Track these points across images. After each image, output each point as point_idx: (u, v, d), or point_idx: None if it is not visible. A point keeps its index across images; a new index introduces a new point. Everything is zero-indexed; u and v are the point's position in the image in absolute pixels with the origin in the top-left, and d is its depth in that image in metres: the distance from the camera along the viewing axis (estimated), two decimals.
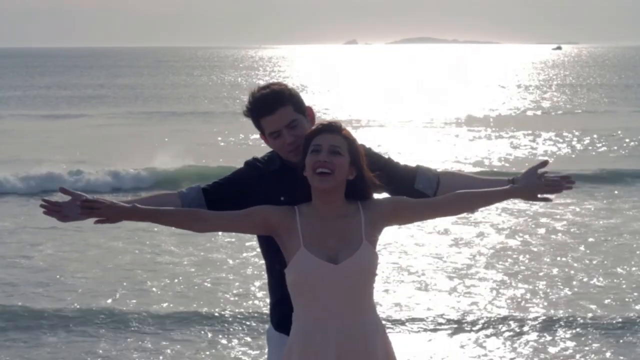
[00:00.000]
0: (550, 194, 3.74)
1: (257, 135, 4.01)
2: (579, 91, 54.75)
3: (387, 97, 48.23)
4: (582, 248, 12.83)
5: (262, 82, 4.05)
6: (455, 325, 9.39)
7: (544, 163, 3.81)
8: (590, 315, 9.60)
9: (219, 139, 28.05)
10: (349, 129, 3.72)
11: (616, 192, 17.78)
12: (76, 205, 3.51)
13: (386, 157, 3.97)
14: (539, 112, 39.15)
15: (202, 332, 9.37)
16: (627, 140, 26.76)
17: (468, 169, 20.24)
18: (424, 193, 3.87)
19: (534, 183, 3.71)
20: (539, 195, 3.73)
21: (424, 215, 3.77)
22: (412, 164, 4.01)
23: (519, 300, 10.26)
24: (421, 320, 9.57)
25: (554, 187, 3.72)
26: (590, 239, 13.41)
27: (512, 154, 24.02)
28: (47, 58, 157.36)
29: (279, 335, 3.83)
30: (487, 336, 9.14)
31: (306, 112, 3.90)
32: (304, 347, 3.56)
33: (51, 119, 36.39)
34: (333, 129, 3.62)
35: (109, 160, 21.56)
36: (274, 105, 3.79)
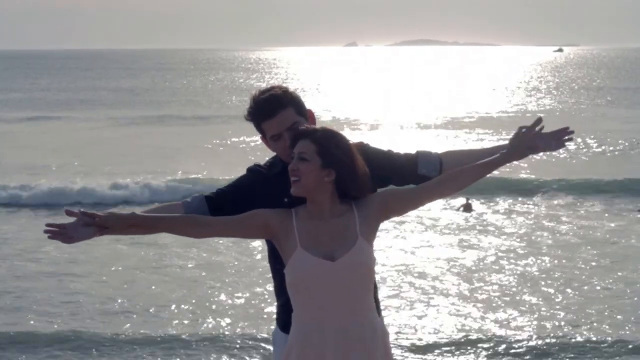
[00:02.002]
0: (548, 150, 3.67)
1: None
2: (584, 93, 54.68)
3: (386, 99, 48.21)
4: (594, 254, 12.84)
5: (263, 85, 4.06)
6: (454, 340, 9.29)
7: (538, 121, 3.73)
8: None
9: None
10: (340, 129, 3.72)
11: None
12: (80, 224, 3.51)
13: (385, 149, 3.99)
14: (550, 115, 39.08)
15: (209, 333, 9.37)
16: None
17: None
18: (429, 176, 3.88)
19: (521, 140, 3.64)
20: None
21: (420, 201, 3.73)
22: (412, 151, 4.01)
23: (524, 313, 10.22)
24: (421, 329, 9.53)
25: (546, 141, 3.65)
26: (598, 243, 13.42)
27: None
28: (47, 60, 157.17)
29: (285, 337, 3.84)
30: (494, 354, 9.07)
31: (307, 115, 3.92)
32: (302, 347, 3.58)
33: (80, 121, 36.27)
34: (302, 135, 3.66)
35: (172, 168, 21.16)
36: (275, 108, 3.81)
